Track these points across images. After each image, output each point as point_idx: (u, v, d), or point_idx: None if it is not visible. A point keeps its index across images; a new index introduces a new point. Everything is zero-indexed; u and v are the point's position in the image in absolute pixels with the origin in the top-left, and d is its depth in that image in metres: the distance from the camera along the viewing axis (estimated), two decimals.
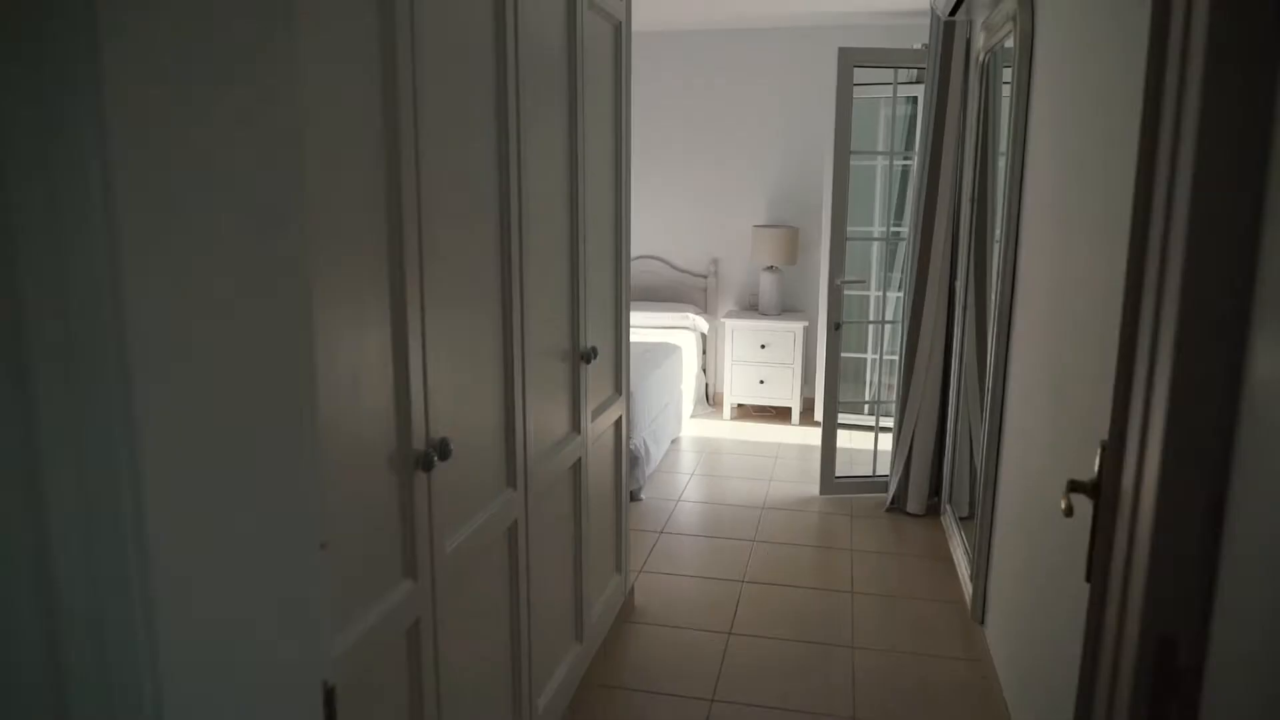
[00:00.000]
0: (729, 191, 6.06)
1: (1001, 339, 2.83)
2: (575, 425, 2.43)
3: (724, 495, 4.49)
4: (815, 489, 4.48)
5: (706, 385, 6.21)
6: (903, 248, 5.31)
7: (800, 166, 5.92)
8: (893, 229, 5.56)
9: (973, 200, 3.66)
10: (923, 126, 4.09)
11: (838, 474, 4.43)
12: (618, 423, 2.90)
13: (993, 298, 3.10)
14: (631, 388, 4.35)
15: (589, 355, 2.43)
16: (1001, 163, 3.05)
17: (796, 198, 5.96)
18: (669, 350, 5.29)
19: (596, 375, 2.61)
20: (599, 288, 2.63)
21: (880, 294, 5.72)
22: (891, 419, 4.37)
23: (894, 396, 4.39)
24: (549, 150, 2.15)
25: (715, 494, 4.53)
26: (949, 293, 4.11)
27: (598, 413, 2.65)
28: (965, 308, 3.78)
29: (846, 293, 4.47)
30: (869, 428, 5.37)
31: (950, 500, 3.98)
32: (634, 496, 4.34)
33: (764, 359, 5.74)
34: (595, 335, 2.58)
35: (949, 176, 3.99)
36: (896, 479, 4.22)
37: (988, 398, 2.98)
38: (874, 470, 4.51)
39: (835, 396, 4.35)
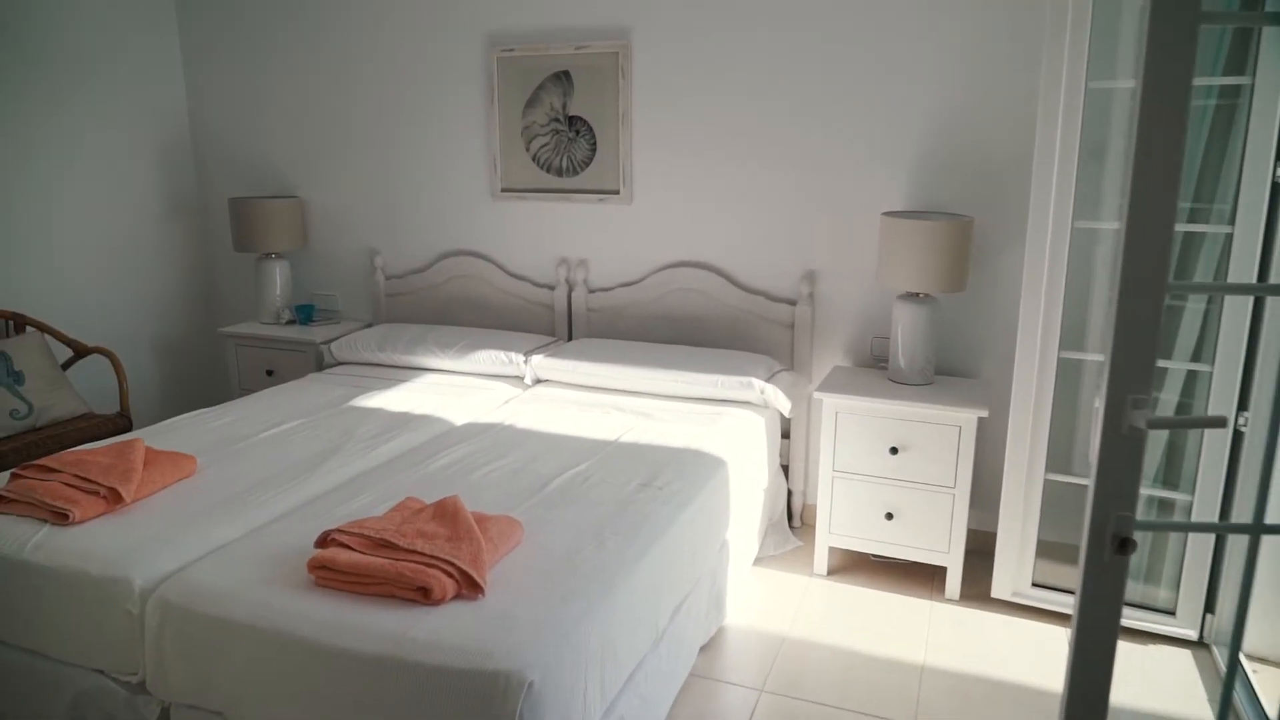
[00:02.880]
0: (837, 151, 3.29)
1: None
2: None
3: None
4: None
5: (790, 497, 3.50)
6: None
7: (981, 97, 3.07)
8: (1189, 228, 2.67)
9: None
10: None
11: None
12: None
13: None
14: (558, 646, 1.73)
15: None
16: None
17: (973, 161, 3.12)
18: (704, 469, 2.62)
19: None
20: None
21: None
22: None
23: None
24: None
25: None
26: None
27: None
28: None
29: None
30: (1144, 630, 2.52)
31: None
32: None
33: (896, 472, 2.99)
34: None
35: None
36: None
37: None
38: None
39: None
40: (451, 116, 3.83)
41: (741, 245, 3.48)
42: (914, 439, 2.94)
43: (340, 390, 3.37)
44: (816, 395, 3.03)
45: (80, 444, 3.30)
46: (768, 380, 3.15)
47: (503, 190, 3.79)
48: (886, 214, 3.05)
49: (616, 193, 3.60)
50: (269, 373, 3.98)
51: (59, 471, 2.31)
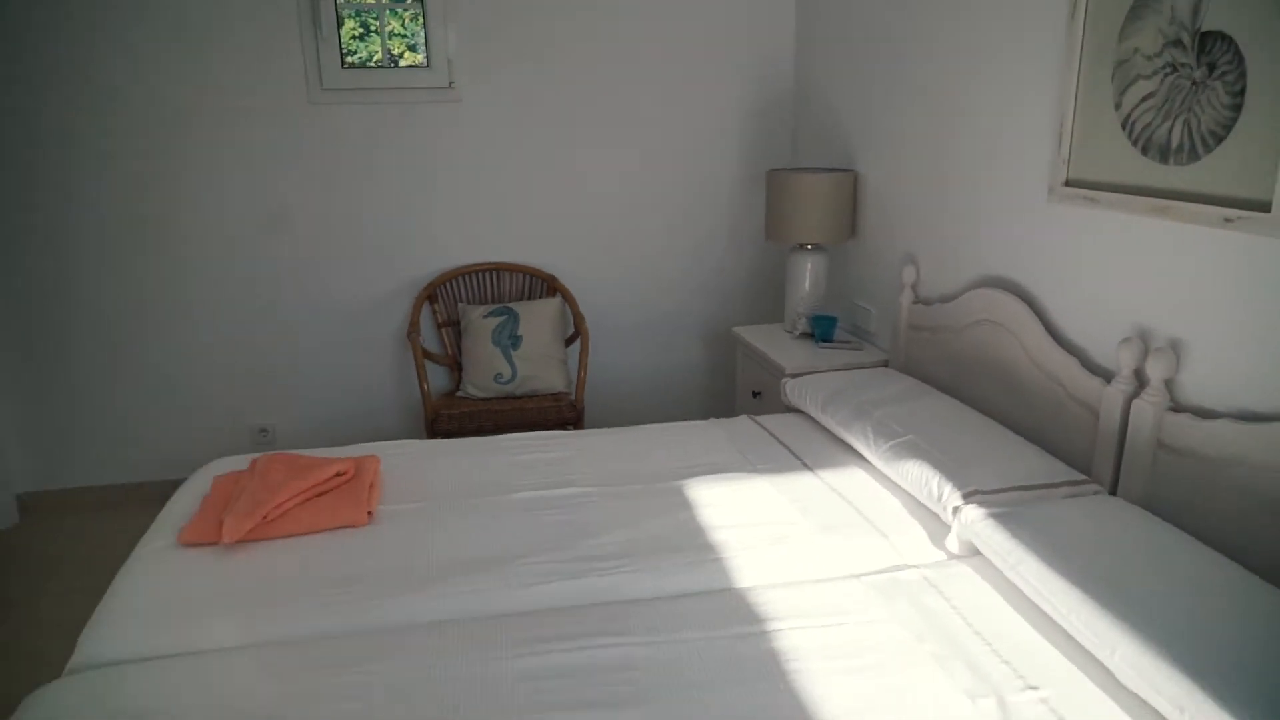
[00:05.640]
0: None
1: None
2: None
3: None
4: None
5: None
6: None
7: None
8: None
9: None
10: None
11: None
12: None
13: None
14: None
15: None
16: None
17: None
18: None
19: None
20: None
21: None
22: None
23: None
24: None
25: None
26: None
27: None
28: None
29: None
30: None
31: None
32: None
33: None
34: None
35: None
36: None
37: None
38: None
39: None
40: (1009, 44, 2.21)
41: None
42: None
43: (714, 456, 2.36)
44: None
45: (528, 424, 3.11)
46: None
47: (1066, 184, 2.05)
48: None
49: (1266, 210, 1.56)
50: (755, 394, 3.15)
51: (251, 479, 2.08)
